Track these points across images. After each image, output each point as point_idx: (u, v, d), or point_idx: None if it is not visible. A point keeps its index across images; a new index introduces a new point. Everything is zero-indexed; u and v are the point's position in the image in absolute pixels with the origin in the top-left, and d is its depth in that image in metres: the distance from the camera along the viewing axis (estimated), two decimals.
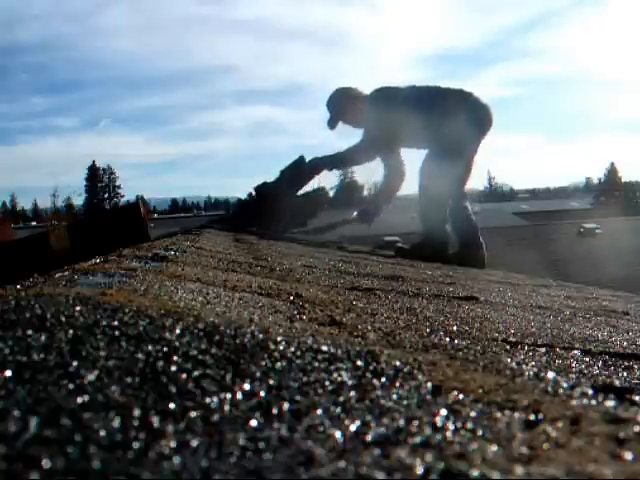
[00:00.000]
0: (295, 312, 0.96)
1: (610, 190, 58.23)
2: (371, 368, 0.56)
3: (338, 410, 0.44)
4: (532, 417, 0.46)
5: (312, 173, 4.37)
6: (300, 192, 4.40)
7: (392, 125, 4.04)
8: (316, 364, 0.55)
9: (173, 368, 0.49)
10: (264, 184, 4.39)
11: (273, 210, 4.14)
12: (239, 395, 0.45)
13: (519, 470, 0.36)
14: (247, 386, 0.47)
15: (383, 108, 4.09)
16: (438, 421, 0.44)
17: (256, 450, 0.36)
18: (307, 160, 4.37)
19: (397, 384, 0.52)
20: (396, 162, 4.38)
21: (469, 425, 0.44)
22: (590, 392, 0.58)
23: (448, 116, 3.92)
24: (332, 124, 4.42)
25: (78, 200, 62.98)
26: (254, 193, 4.43)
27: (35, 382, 0.42)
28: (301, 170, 4.32)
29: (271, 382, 0.49)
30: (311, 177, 4.39)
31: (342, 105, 4.36)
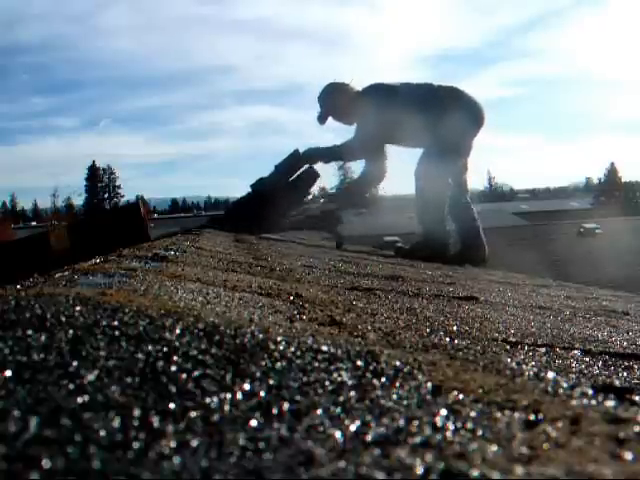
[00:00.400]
0: (295, 312, 0.96)
1: (610, 190, 58.22)
2: (371, 368, 0.56)
3: (338, 410, 0.44)
4: (532, 417, 0.46)
5: (307, 163, 4.29)
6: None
7: (387, 124, 3.98)
8: (316, 364, 0.55)
9: (173, 368, 0.49)
10: (261, 180, 4.36)
11: (270, 210, 4.12)
12: (239, 395, 0.45)
13: (519, 470, 0.36)
14: (247, 386, 0.47)
15: (377, 106, 4.03)
16: (438, 421, 0.44)
17: (256, 450, 0.36)
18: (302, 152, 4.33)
19: (397, 384, 0.52)
20: (381, 160, 4.30)
21: (469, 425, 0.44)
22: (590, 392, 0.58)
23: (444, 115, 3.88)
24: (322, 119, 4.33)
25: (78, 200, 63.03)
26: (251, 191, 4.40)
27: (35, 382, 0.42)
28: (296, 163, 4.29)
29: (271, 382, 0.49)
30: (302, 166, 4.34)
31: (333, 100, 4.27)
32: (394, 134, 4.10)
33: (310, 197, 4.58)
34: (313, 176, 4.41)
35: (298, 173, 4.33)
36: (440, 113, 3.89)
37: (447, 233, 4.01)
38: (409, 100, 3.98)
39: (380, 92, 4.15)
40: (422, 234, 4.06)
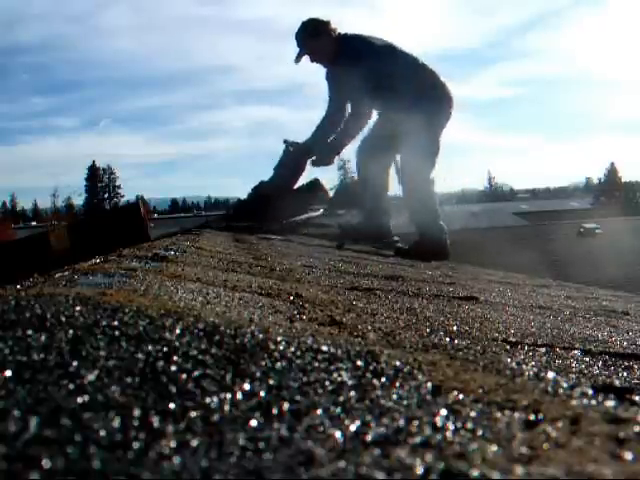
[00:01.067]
0: (295, 312, 0.95)
1: (610, 190, 58.26)
2: (371, 368, 0.56)
3: (338, 410, 0.44)
4: (532, 417, 0.46)
5: (304, 159, 4.15)
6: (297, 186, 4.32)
7: (366, 82, 3.73)
8: (316, 364, 0.55)
9: (173, 368, 0.49)
10: (261, 183, 4.33)
11: (273, 205, 4.09)
12: (239, 395, 0.45)
13: (519, 470, 0.36)
14: (247, 386, 0.47)
15: (357, 68, 3.76)
16: (438, 421, 0.44)
17: (256, 450, 0.36)
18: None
19: (397, 384, 0.52)
20: (362, 113, 4.02)
21: (469, 425, 0.44)
22: (590, 392, 0.58)
23: (427, 103, 3.71)
24: (297, 58, 4.07)
25: (78, 200, 63.08)
26: (253, 193, 4.38)
27: (35, 382, 0.42)
28: (293, 159, 4.20)
29: (271, 382, 0.49)
30: (304, 164, 4.18)
31: (311, 39, 4.01)
32: (373, 97, 3.84)
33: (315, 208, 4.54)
34: (318, 189, 4.39)
35: (303, 184, 4.29)
36: (427, 110, 3.70)
37: (443, 230, 3.95)
38: (395, 75, 3.77)
39: (371, 48, 3.86)
40: (418, 234, 4.01)
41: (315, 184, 4.37)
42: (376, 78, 3.75)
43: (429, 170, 3.89)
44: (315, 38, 4.01)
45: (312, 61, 4.09)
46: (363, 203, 4.00)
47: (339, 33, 4.03)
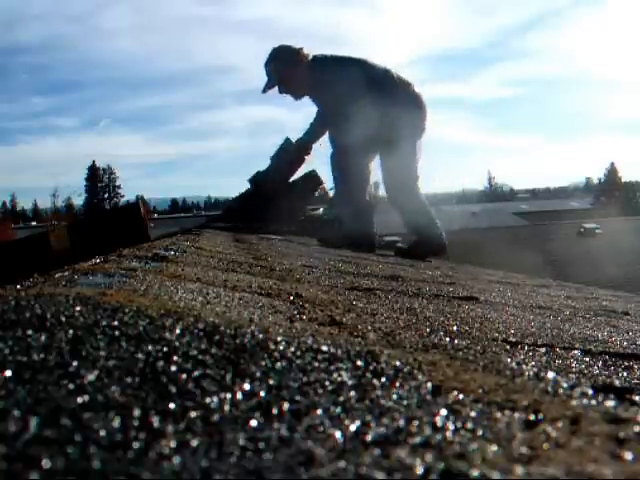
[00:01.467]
0: (295, 312, 0.95)
1: (610, 190, 58.26)
2: (371, 368, 0.56)
3: (338, 410, 0.44)
4: (532, 417, 0.46)
5: (302, 155, 4.07)
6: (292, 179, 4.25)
7: (348, 105, 3.61)
8: (316, 364, 0.55)
9: (173, 368, 0.49)
10: (258, 173, 4.25)
11: (272, 212, 4.06)
12: (239, 395, 0.45)
13: (519, 470, 0.36)
14: (247, 386, 0.47)
15: (333, 87, 3.65)
16: (438, 421, 0.44)
17: (256, 450, 0.36)
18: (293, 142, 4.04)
19: (397, 384, 0.52)
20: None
21: (469, 425, 0.44)
22: (590, 392, 0.58)
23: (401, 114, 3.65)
24: (265, 88, 3.86)
25: (78, 200, 63.02)
26: (250, 187, 4.31)
27: (35, 382, 0.42)
28: (291, 153, 4.06)
29: (271, 382, 0.49)
30: (302, 160, 4.09)
31: (279, 68, 3.78)
32: (353, 110, 3.66)
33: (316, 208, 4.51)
34: (315, 181, 4.34)
35: (300, 176, 4.25)
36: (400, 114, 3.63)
37: (439, 227, 3.93)
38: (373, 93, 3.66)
39: (343, 65, 3.73)
40: (416, 235, 3.98)
41: (311, 175, 4.29)
42: (353, 92, 3.65)
43: (415, 177, 3.85)
44: (288, 68, 3.79)
45: (281, 92, 3.88)
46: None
47: (311, 59, 3.83)
